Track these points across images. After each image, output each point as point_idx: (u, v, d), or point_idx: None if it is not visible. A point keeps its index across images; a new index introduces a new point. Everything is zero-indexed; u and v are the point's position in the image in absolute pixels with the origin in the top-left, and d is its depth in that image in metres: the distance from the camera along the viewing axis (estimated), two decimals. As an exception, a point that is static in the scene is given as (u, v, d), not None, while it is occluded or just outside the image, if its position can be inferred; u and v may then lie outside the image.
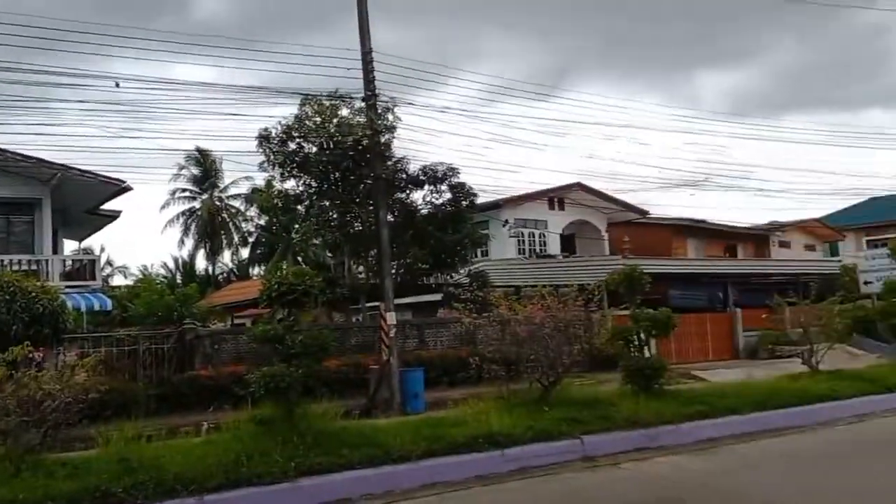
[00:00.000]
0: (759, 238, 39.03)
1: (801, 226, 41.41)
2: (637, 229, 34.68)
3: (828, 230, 42.57)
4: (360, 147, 16.43)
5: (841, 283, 29.18)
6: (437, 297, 22.67)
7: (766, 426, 11.19)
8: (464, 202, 20.14)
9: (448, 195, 19.98)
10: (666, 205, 57.97)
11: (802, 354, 14.89)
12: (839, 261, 34.10)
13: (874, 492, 7.25)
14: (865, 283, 24.77)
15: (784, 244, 40.09)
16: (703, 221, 35.89)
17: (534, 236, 34.85)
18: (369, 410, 13.94)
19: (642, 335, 12.38)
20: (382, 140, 16.68)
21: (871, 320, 18.94)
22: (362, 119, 16.51)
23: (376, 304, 16.56)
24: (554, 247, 35.11)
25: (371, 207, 17.35)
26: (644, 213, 36.09)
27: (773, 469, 8.74)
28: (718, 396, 11.90)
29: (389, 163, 17.96)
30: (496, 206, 30.00)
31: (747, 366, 19.20)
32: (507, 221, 31.22)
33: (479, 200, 21.77)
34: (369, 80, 15.99)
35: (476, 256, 26.14)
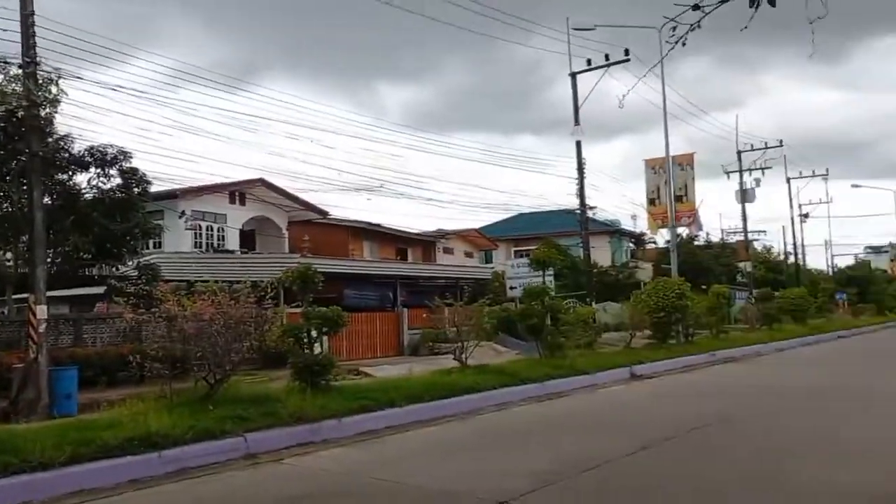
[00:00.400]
0: (426, 243, 42.08)
1: (463, 235, 45.49)
2: (317, 229, 35.32)
3: (484, 240, 47.28)
4: (14, 119, 14.67)
5: (492, 288, 32.63)
6: (101, 289, 20.95)
7: (421, 417, 12.11)
8: (136, 189, 18.85)
9: (118, 180, 18.55)
10: (345, 207, 59.83)
11: (454, 351, 16.42)
12: (492, 268, 37.99)
13: (510, 473, 8.17)
14: (511, 288, 27.91)
15: (448, 250, 43.70)
16: (378, 225, 37.68)
17: (212, 230, 33.77)
18: (8, 414, 12.49)
19: (313, 332, 12.70)
20: (42, 113, 15.02)
21: (513, 321, 21.44)
22: (19, 87, 14.72)
23: (26, 295, 14.84)
24: (233, 242, 34.34)
25: (25, 187, 15.51)
26: (324, 213, 36.86)
27: (426, 456, 9.50)
28: (380, 391, 12.59)
29: (50, 139, 16.23)
30: (173, 195, 28.57)
31: (410, 362, 20.50)
32: (183, 213, 29.85)
33: (155, 189, 20.60)
34: (30, 45, 14.27)
35: (148, 248, 24.58)
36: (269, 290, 11.65)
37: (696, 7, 3.90)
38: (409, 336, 27.09)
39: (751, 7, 3.62)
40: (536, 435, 11.01)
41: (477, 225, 47.49)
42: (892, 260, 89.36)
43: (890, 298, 69.02)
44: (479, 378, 14.72)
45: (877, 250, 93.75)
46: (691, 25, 4.28)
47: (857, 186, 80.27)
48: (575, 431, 11.18)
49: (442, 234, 43.89)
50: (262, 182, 34.16)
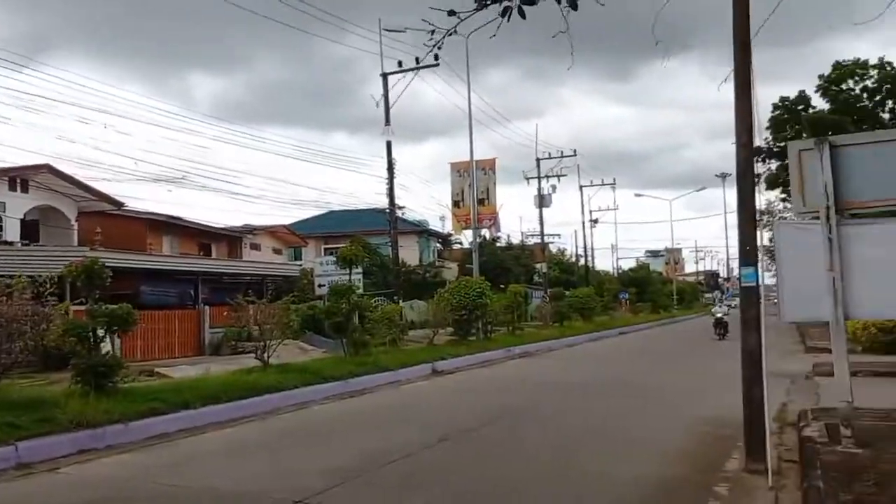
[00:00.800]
0: (232, 239, 40.63)
1: (271, 231, 44.44)
2: (111, 221, 32.98)
3: (294, 237, 46.47)
4: None
5: (301, 286, 32.19)
6: None
7: (218, 418, 11.74)
8: None
9: None
10: (145, 199, 56.46)
11: (256, 350, 16.04)
12: (300, 265, 37.47)
13: (308, 471, 8.15)
14: (319, 286, 27.70)
15: (255, 247, 42.49)
16: (179, 219, 35.86)
17: (-12, 219, 30.49)
18: None
19: (99, 331, 11.86)
20: None
21: (320, 319, 21.32)
22: None
23: None
24: (13, 233, 31.22)
25: None
26: (119, 204, 34.48)
27: (221, 458, 9.22)
28: (174, 392, 12.03)
29: None
30: (-63, 180, 25.44)
31: (210, 362, 19.73)
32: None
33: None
34: None
35: None
36: (48, 286, 10.74)
37: (451, 13, 4.12)
38: (210, 335, 26.00)
39: (501, 17, 3.87)
40: (337, 432, 11.04)
41: (287, 221, 46.66)
42: (666, 263, 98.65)
43: (664, 298, 76.17)
44: (281, 377, 14.49)
45: (655, 254, 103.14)
46: (447, 31, 4.50)
47: (639, 195, 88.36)
48: (376, 427, 11.33)
49: (249, 230, 42.61)
50: (47, 168, 31.25)
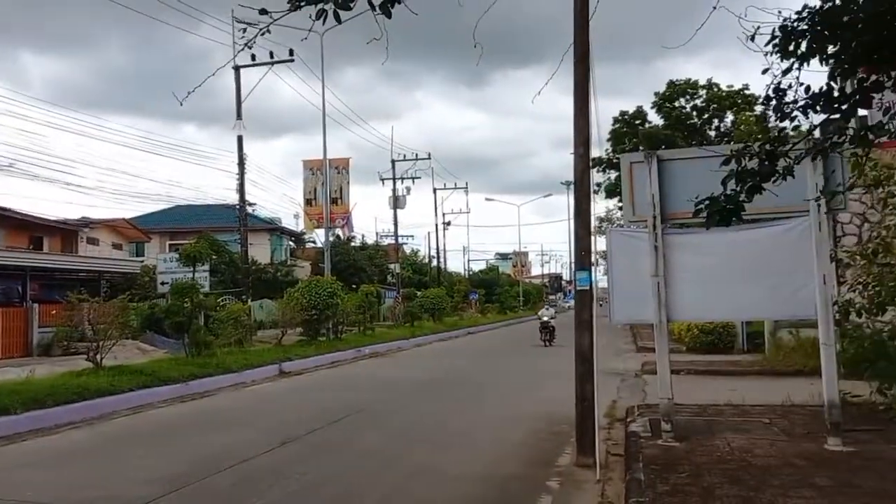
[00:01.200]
0: (67, 232, 37.97)
1: (111, 224, 41.95)
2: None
3: (136, 231, 44.08)
4: None
5: (142, 283, 30.62)
6: None
7: (44, 424, 11.04)
8: None
9: None
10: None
11: (89, 351, 15.12)
12: (142, 261, 35.65)
13: (140, 479, 7.81)
14: (162, 283, 26.50)
15: (93, 241, 39.94)
16: (6, 209, 33.10)
17: None
18: None
19: None
20: None
21: (161, 318, 20.39)
22: None
23: None
24: None
25: None
26: (-67, 191, 31.39)
27: (43, 467, 8.62)
28: (-7, 396, 11.16)
29: None
30: None
31: (38, 363, 18.42)
32: None
33: None
34: None
35: None
36: None
37: (262, 11, 4.11)
38: (39, 335, 24.19)
39: (316, 20, 3.90)
40: (174, 437, 10.60)
41: (129, 214, 44.20)
42: (514, 266, 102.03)
43: (511, 299, 78.74)
44: (116, 379, 13.75)
45: (504, 257, 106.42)
46: (260, 30, 4.49)
47: (490, 200, 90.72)
48: (216, 431, 10.99)
49: (86, 223, 39.98)
50: None
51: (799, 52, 4.50)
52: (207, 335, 18.85)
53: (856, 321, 10.20)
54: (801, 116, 4.75)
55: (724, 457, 7.61)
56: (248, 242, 30.20)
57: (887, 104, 7.25)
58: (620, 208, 40.02)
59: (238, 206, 29.52)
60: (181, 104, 4.93)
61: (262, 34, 4.47)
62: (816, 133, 5.45)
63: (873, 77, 4.58)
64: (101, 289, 26.02)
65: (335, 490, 7.40)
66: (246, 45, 4.77)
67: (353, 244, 53.33)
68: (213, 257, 30.83)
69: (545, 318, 29.20)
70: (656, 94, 37.69)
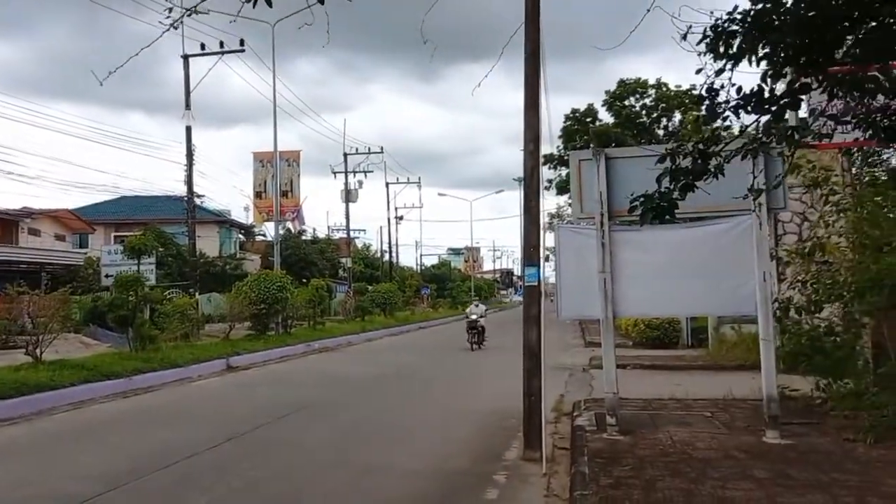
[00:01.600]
0: (7, 222, 36.85)
1: (54, 215, 40.85)
2: None
3: (80, 222, 43.00)
4: None
5: (85, 275, 29.87)
6: None
7: (-23, 420, 10.72)
8: None
9: None
10: None
11: (28, 344, 14.71)
12: (85, 253, 34.80)
13: (80, 476, 7.65)
14: (106, 276, 25.86)
15: (34, 232, 38.84)
16: (-61, 198, 31.97)
17: None
18: None
19: None
20: None
21: (105, 311, 19.92)
22: None
23: None
24: None
25: None
26: None
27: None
28: (-78, 393, 10.79)
29: None
30: None
31: (-27, 358, 17.88)
32: None
33: None
34: None
35: None
36: None
37: None
38: (-26, 328, 23.44)
39: (246, 2, 3.86)
40: (116, 433, 10.39)
41: (73, 205, 43.08)
42: (466, 261, 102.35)
43: (463, 294, 78.96)
44: (56, 374, 13.40)
45: (456, 252, 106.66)
46: (185, 11, 4.44)
47: (442, 195, 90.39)
48: (160, 427, 10.80)
49: (28, 213, 38.85)
50: None
51: (730, 52, 4.61)
52: (152, 329, 18.51)
53: (795, 318, 10.50)
54: (732, 116, 4.88)
55: (667, 450, 7.77)
56: (195, 235, 29.68)
57: (815, 106, 7.46)
58: (570, 205, 40.57)
59: (186, 198, 28.99)
60: (101, 84, 4.82)
61: (189, 14, 4.39)
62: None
63: (802, 79, 4.71)
64: (42, 281, 25.32)
65: (281, 486, 7.34)
66: (172, 25, 4.64)
67: (303, 238, 52.85)
68: (160, 250, 30.26)
69: (473, 317, 24.98)
70: (607, 92, 38.15)
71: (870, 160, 15.29)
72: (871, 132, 5.27)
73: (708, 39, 4.66)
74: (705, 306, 10.08)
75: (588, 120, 38.75)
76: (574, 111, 39.25)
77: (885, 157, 15.31)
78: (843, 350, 10.11)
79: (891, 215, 10.33)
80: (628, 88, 37.91)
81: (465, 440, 9.58)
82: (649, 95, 37.95)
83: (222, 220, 49.25)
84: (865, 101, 4.99)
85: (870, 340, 10.62)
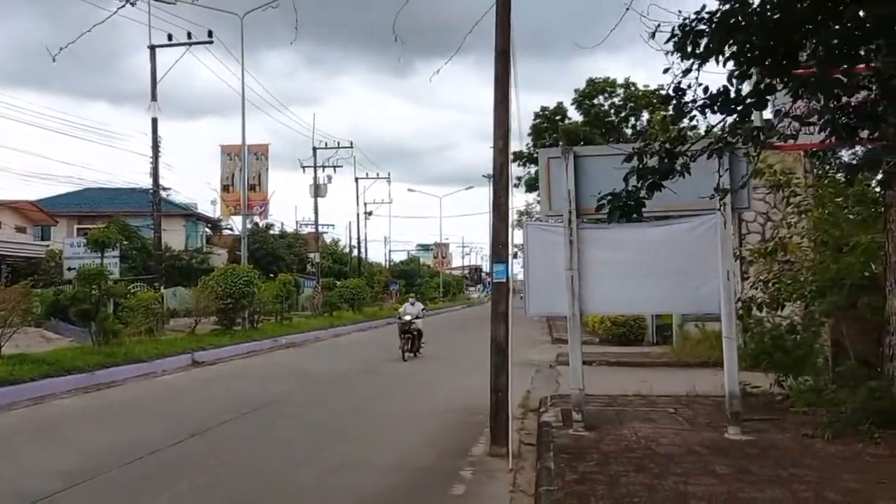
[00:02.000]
0: (-36, 213, 36.01)
1: (15, 206, 40.02)
2: None
3: (42, 214, 42.16)
4: None
5: (47, 268, 29.33)
6: None
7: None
8: None
9: None
10: None
11: (-11, 339, 14.43)
12: (47, 245, 34.17)
13: (41, 473, 7.55)
14: (69, 269, 25.39)
15: (-8, 223, 38.00)
16: None
17: None
18: None
19: None
20: None
21: (67, 305, 19.58)
22: None
23: None
24: None
25: None
26: None
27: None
28: None
29: None
30: None
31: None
32: None
33: None
34: None
35: None
36: None
37: None
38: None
39: None
40: (78, 429, 10.24)
41: (34, 196, 42.20)
42: (434, 257, 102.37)
43: (432, 290, 79.00)
44: (16, 368, 13.17)
45: (425, 248, 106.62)
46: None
47: (412, 190, 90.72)
48: (123, 422, 10.67)
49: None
50: None
51: (697, 51, 4.68)
52: (116, 324, 18.23)
53: (757, 316, 10.68)
54: (699, 116, 4.95)
55: (631, 445, 7.87)
56: (161, 228, 29.26)
57: (780, 106, 7.61)
58: (539, 202, 40.79)
59: (152, 191, 28.57)
60: (54, 60, 4.77)
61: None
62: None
63: (768, 80, 4.80)
64: (1, 273, 24.81)
65: (248, 482, 7.29)
66: (128, 1, 4.59)
67: (271, 232, 52.40)
68: (124, 243, 29.79)
69: (407, 318, 19.99)
70: (576, 90, 38.38)
71: (830, 161, 15.62)
72: (830, 130, 5.38)
73: (676, 38, 4.73)
74: (670, 304, 10.23)
75: (557, 118, 38.97)
76: (544, 109, 39.44)
77: (843, 157, 15.66)
78: (803, 348, 10.33)
79: (850, 216, 10.57)
80: (597, 87, 38.18)
81: (432, 435, 9.59)
82: (618, 95, 38.26)
83: (189, 214, 48.62)
84: (830, 103, 5.09)
85: (829, 339, 10.86)
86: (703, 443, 7.91)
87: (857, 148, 7.66)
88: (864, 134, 5.84)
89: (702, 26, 4.63)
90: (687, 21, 4.69)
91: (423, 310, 21.72)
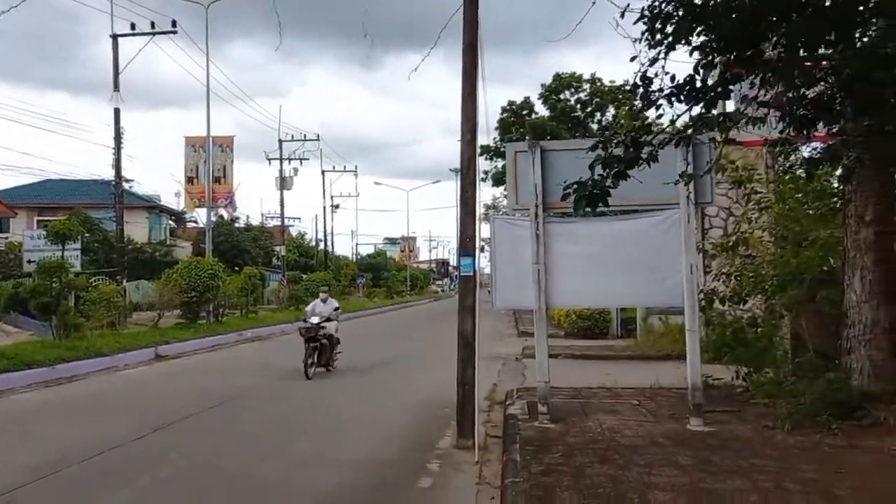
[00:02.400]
0: (-82, 204, 35.05)
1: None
2: None
3: (0, 206, 41.24)
4: None
5: (6, 261, 28.70)
6: None
7: None
8: None
9: None
10: None
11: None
12: (6, 238, 33.45)
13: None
14: (29, 261, 24.88)
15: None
16: None
17: None
18: None
19: None
20: None
21: (27, 298, 19.20)
22: None
23: None
24: None
25: None
26: None
27: None
28: None
29: None
30: None
31: None
32: None
33: None
34: None
35: None
36: None
37: None
38: None
39: None
40: (37, 424, 10.07)
41: (-9, 188, 41.24)
42: (402, 251, 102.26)
43: (399, 283, 78.95)
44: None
45: (392, 241, 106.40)
46: None
47: (379, 184, 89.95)
48: (84, 417, 10.50)
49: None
50: None
51: (665, 37, 4.73)
52: (77, 317, 17.94)
53: (719, 309, 10.85)
54: (665, 105, 5.00)
55: (596, 437, 7.95)
56: (123, 220, 28.80)
57: (746, 93, 7.74)
58: (506, 196, 40.95)
59: (114, 182, 28.09)
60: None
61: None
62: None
63: (733, 70, 4.88)
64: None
65: (211, 477, 7.24)
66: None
67: (237, 225, 51.88)
68: (86, 235, 29.21)
69: (314, 320, 15.19)
70: (543, 85, 38.58)
71: (791, 156, 15.90)
72: (788, 121, 5.46)
73: (645, 19, 4.77)
74: (635, 298, 10.32)
75: (524, 113, 39.13)
76: (511, 103, 39.57)
77: (803, 153, 15.95)
78: (764, 341, 10.52)
79: (810, 211, 10.79)
80: (564, 82, 38.41)
81: (399, 428, 9.59)
82: (584, 90, 38.52)
83: (152, 206, 47.89)
84: (789, 93, 5.17)
85: (789, 332, 11.08)
86: (667, 434, 8.02)
87: (816, 144, 7.80)
88: (821, 126, 5.95)
89: (669, 8, 4.67)
90: (656, 3, 4.73)
91: (338, 310, 16.81)
